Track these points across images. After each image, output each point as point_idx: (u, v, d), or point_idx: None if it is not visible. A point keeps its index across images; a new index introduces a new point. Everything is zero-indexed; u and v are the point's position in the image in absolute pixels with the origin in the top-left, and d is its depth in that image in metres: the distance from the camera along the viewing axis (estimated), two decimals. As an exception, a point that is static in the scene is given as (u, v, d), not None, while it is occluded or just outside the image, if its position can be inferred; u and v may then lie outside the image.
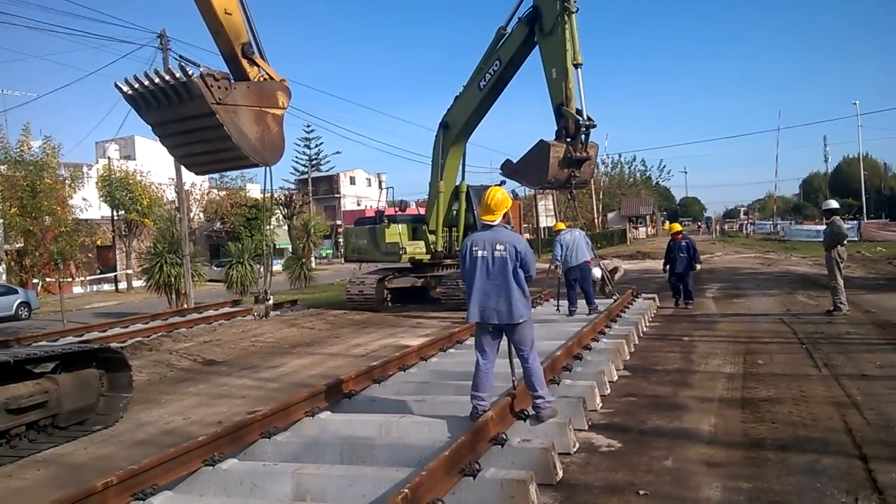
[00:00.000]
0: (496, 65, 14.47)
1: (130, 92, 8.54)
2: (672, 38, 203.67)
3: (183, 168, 24.18)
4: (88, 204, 28.99)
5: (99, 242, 34.04)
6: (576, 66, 12.58)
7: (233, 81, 8.58)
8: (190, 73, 8.07)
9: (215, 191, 46.96)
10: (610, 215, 67.42)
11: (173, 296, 23.77)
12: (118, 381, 7.70)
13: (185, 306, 21.47)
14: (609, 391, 7.28)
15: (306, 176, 63.26)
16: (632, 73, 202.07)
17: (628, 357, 9.12)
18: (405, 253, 16.86)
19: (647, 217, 68.18)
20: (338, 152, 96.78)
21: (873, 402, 6.36)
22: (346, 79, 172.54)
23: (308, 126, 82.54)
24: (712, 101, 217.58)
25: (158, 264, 23.96)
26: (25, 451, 6.35)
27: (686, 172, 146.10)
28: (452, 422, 5.66)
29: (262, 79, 9.15)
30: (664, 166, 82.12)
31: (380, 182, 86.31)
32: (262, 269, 16.76)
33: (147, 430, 7.16)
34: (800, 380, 7.41)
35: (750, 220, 63.90)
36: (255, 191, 53.03)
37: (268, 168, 9.76)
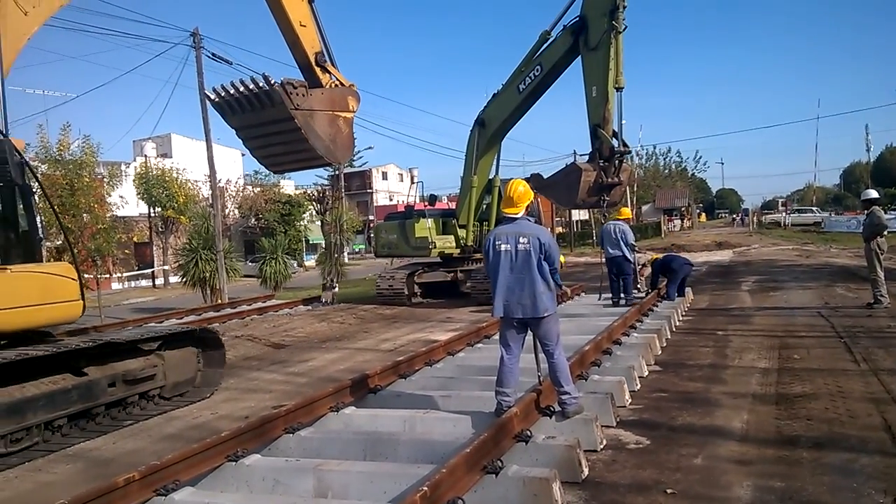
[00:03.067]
0: (537, 70, 14.24)
1: (217, 99, 9.53)
2: (708, 27, 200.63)
3: (216, 164, 24.54)
4: (125, 201, 29.52)
5: (136, 239, 34.61)
6: (617, 89, 12.38)
7: (308, 88, 9.36)
8: (273, 81, 8.85)
9: (250, 187, 47.43)
10: (644, 208, 66.60)
11: (208, 291, 24.12)
12: (213, 358, 8.70)
13: (220, 301, 21.71)
14: (639, 386, 7.14)
15: (338, 172, 63.64)
16: (667, 63, 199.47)
17: (660, 352, 8.95)
18: (434, 247, 16.85)
19: (683, 209, 67.18)
20: (370, 147, 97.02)
21: (914, 398, 6.14)
22: (377, 73, 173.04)
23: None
24: (750, 91, 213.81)
25: (193, 260, 24.32)
26: (56, 446, 6.45)
27: (723, 164, 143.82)
28: (477, 418, 5.60)
29: (333, 85, 9.97)
30: (700, 157, 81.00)
31: (412, 177, 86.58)
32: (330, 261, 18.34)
33: (176, 424, 7.21)
34: (837, 375, 7.19)
35: (789, 212, 62.30)
36: (289, 187, 53.56)
37: (340, 165, 10.63)
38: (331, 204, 47.80)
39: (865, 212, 12.35)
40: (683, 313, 12.39)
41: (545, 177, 14.80)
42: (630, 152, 12.81)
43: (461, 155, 17.07)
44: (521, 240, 5.51)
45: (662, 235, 48.05)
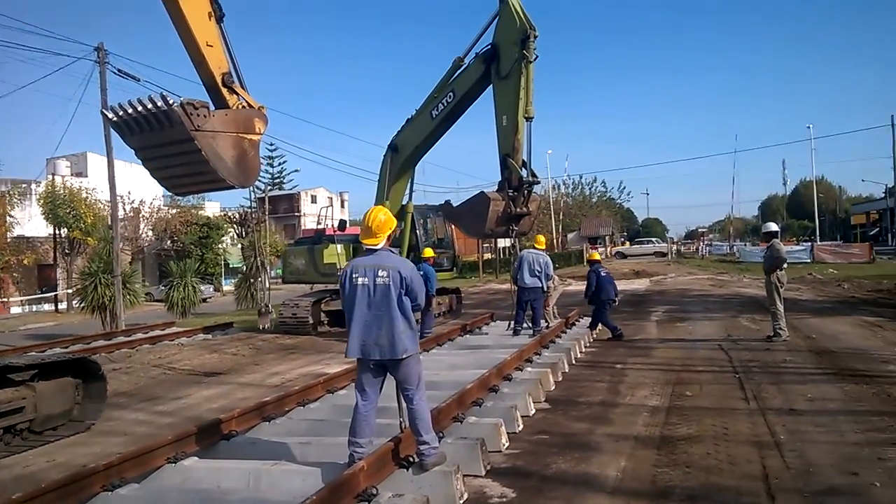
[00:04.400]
0: (450, 96, 14.02)
1: (115, 119, 9.12)
2: (628, 59, 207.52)
3: (133, 184, 23.41)
4: (16, 221, 27.91)
5: (26, 262, 32.65)
6: (527, 119, 12.23)
7: (212, 109, 9.13)
8: (171, 101, 8.55)
9: (166, 208, 45.65)
10: (570, 235, 67.34)
11: (108, 317, 22.80)
12: (93, 388, 8.18)
13: (116, 328, 20.48)
14: (521, 427, 6.70)
15: (263, 194, 62.38)
16: (591, 94, 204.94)
17: (553, 387, 8.56)
18: (343, 274, 16.21)
19: (607, 238, 68.19)
20: (296, 170, 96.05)
21: (797, 441, 5.89)
22: (306, 98, 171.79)
23: (271, 145, 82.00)
24: (673, 124, 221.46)
25: (93, 284, 23.00)
26: None
27: (648, 194, 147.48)
28: (331, 470, 5.01)
29: (240, 106, 9.78)
30: (623, 187, 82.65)
31: (342, 201, 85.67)
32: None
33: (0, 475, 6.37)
34: (725, 415, 6.93)
35: (706, 242, 64.30)
36: (213, 208, 51.95)
37: (245, 188, 10.20)
38: (253, 227, 46.56)
39: (765, 245, 12.36)
40: (587, 344, 12.12)
41: (454, 205, 14.53)
42: (539, 182, 12.60)
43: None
44: (381, 273, 5.02)
45: (585, 263, 48.49)
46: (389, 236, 5.31)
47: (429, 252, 14.57)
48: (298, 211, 79.45)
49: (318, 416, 7.06)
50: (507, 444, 6.13)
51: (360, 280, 5.06)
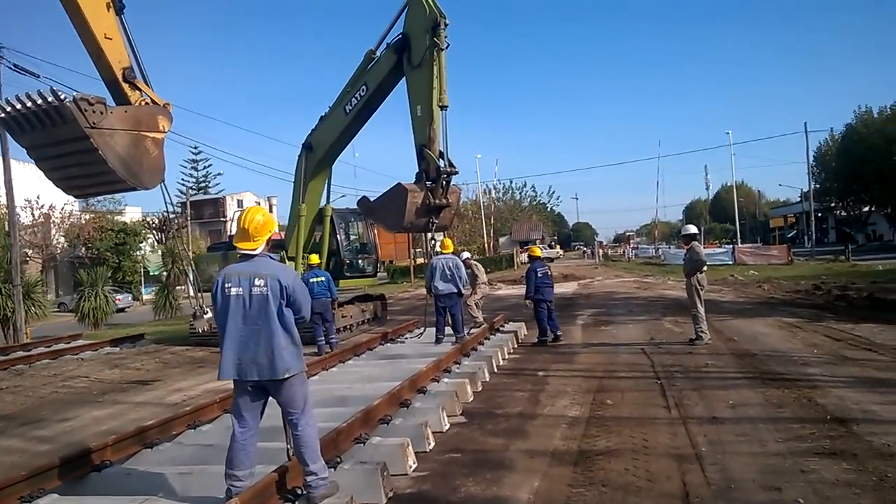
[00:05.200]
0: (363, 90, 13.54)
1: (3, 115, 8.59)
2: (554, 64, 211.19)
3: (24, 187, 21.95)
4: None
5: None
6: (442, 107, 11.91)
7: (110, 105, 8.71)
8: (63, 96, 8.11)
9: (79, 214, 43.43)
10: (501, 240, 67.61)
11: (11, 330, 21.34)
12: None
13: (17, 342, 19.12)
14: (432, 445, 6.22)
15: (185, 198, 60.29)
16: (519, 97, 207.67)
17: (471, 398, 8.14)
18: (259, 281, 15.45)
19: (537, 241, 68.92)
20: (219, 174, 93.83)
21: (718, 453, 5.59)
22: (233, 102, 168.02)
23: (195, 148, 79.75)
24: (600, 129, 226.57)
25: (-8, 296, 21.51)
26: None
27: (577, 199, 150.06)
28: (209, 504, 4.44)
29: (143, 103, 9.40)
30: (553, 192, 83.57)
31: (270, 205, 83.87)
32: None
33: None
34: (646, 425, 6.61)
35: (633, 246, 65.66)
36: (134, 213, 49.81)
37: (163, 186, 9.91)
38: (175, 232, 44.78)
39: (685, 247, 12.25)
40: (510, 351, 11.77)
41: (372, 200, 13.99)
42: (457, 172, 12.25)
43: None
44: (257, 282, 4.46)
45: (515, 267, 48.71)
46: (269, 240, 4.74)
47: (314, 259, 14.09)
48: (224, 216, 77.40)
49: (208, 441, 6.40)
50: (414, 466, 5.64)
51: (233, 290, 4.49)
